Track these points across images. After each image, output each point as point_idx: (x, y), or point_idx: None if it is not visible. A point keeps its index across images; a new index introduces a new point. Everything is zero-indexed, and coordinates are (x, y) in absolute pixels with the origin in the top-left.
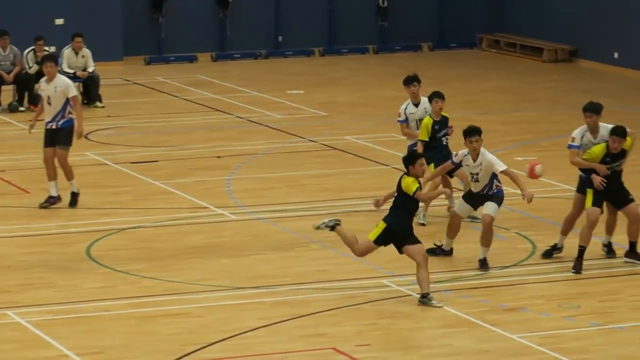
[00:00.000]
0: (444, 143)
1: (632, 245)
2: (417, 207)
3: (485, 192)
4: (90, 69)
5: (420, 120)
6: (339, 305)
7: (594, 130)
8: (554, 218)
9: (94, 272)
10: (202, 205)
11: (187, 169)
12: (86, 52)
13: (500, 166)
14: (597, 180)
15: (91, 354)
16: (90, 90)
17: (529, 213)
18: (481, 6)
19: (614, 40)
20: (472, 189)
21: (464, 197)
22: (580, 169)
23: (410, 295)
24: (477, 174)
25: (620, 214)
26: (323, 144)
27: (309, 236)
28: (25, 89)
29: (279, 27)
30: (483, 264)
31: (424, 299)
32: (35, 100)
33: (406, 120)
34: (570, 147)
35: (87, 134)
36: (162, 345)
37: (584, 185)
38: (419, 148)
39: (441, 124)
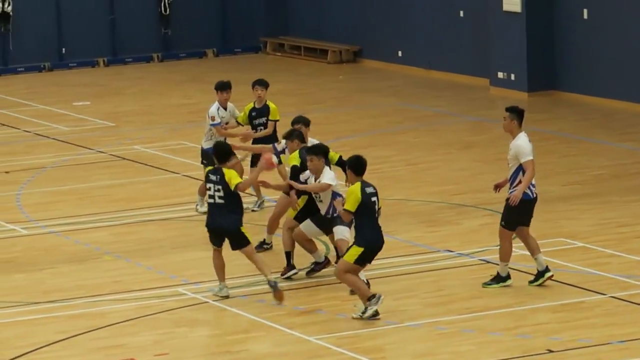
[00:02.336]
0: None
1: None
2: None
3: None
4: None
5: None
6: (135, 315)
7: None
8: None
9: None
10: None
11: None
12: None
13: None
14: None
15: None
16: None
17: None
18: (264, 10)
19: (398, 38)
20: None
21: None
22: None
23: (207, 302)
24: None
25: None
26: (112, 155)
27: (102, 248)
28: None
29: (61, 38)
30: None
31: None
32: None
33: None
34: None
35: None
36: None
37: None
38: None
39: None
